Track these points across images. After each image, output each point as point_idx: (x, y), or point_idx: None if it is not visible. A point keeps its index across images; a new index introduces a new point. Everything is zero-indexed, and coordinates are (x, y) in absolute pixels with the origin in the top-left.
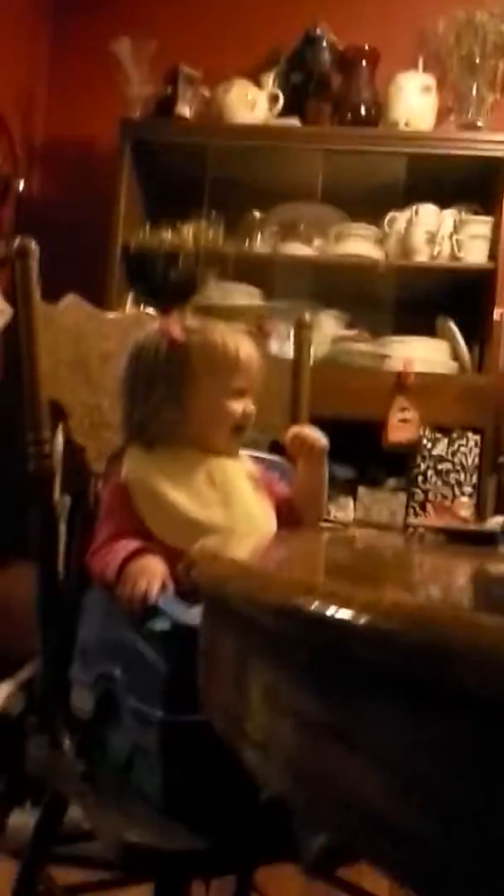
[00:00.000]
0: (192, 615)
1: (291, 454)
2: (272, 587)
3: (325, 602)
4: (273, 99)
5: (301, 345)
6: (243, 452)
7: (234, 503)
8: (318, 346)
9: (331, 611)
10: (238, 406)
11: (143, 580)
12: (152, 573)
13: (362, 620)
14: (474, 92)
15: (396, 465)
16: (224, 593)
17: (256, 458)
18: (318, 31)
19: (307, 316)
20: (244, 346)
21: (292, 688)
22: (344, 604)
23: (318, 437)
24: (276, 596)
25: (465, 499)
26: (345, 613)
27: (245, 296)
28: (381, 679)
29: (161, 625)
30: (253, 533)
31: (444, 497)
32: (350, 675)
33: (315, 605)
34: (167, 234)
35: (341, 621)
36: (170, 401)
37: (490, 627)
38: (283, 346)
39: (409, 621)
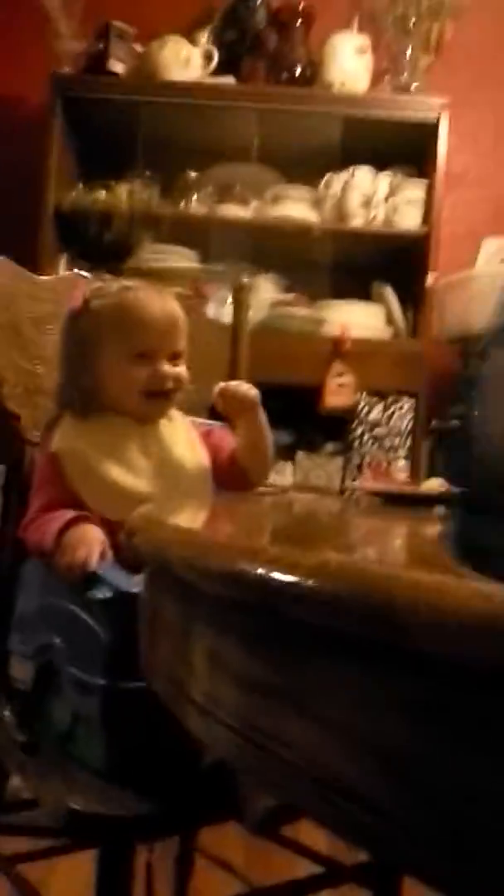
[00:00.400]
0: (134, 582)
1: (223, 412)
2: (215, 553)
3: (269, 566)
4: (207, 56)
5: (239, 309)
6: (183, 416)
7: (169, 471)
8: (256, 311)
9: (276, 574)
10: (143, 370)
11: (81, 549)
12: (90, 541)
13: (308, 583)
14: (409, 54)
15: (334, 429)
16: (166, 559)
17: (196, 424)
18: None
19: (244, 280)
20: (155, 307)
21: (238, 652)
22: (289, 568)
23: (247, 388)
24: (219, 561)
25: (401, 462)
26: (290, 577)
27: (181, 258)
28: (328, 641)
29: (102, 593)
30: (191, 500)
31: (381, 461)
32: (298, 638)
33: (260, 570)
34: (100, 194)
35: (287, 584)
36: (81, 368)
37: (433, 586)
38: (220, 309)
39: (354, 583)
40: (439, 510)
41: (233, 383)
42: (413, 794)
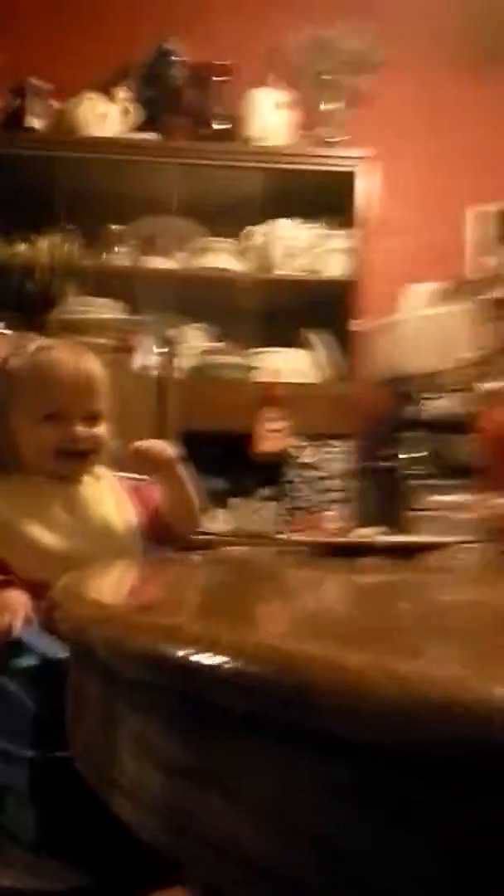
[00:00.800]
0: (61, 648)
1: (139, 470)
2: (136, 633)
3: (189, 648)
4: (125, 112)
5: (165, 359)
6: (109, 473)
7: (94, 530)
8: (186, 360)
9: (196, 658)
10: (54, 431)
11: (5, 615)
12: (14, 607)
13: (226, 667)
14: (327, 108)
15: (269, 474)
16: (87, 640)
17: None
18: (170, 46)
19: (171, 330)
20: (68, 367)
21: (161, 735)
22: (209, 648)
23: (162, 448)
24: (140, 643)
25: (330, 511)
26: (210, 659)
27: (106, 309)
28: (249, 723)
29: (27, 661)
30: (116, 558)
31: (311, 511)
32: (219, 720)
33: (180, 653)
34: (21, 248)
35: (206, 668)
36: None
37: (352, 669)
38: (148, 360)
39: (272, 666)
40: (365, 560)
41: (146, 442)
42: (334, 873)
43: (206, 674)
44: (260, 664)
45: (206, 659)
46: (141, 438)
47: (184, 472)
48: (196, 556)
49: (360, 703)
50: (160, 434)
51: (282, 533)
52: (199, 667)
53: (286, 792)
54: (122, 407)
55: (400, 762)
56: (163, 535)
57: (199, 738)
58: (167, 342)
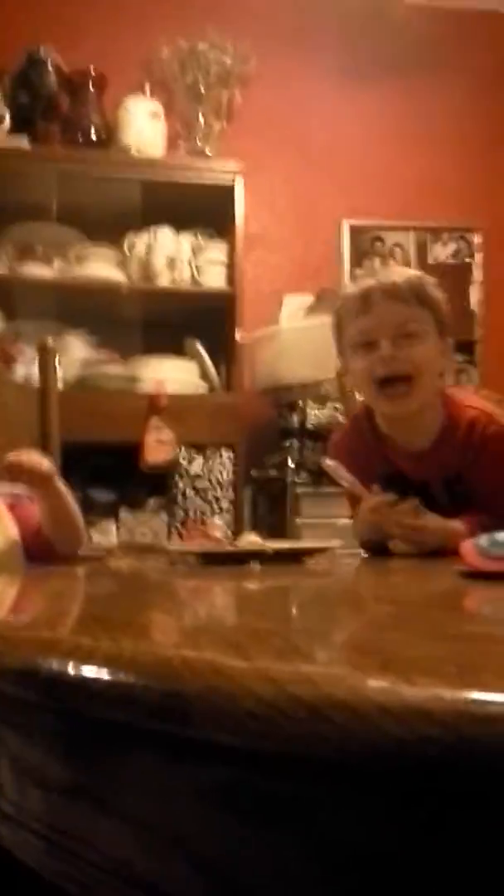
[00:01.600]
0: None
1: (15, 483)
2: (12, 648)
3: (65, 660)
4: None
5: (46, 369)
6: None
7: None
8: (68, 369)
9: (71, 669)
10: None
11: None
12: None
13: (102, 678)
14: (201, 120)
15: (157, 485)
16: None
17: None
18: (42, 53)
19: (50, 339)
20: None
21: (40, 753)
22: (84, 660)
23: (38, 461)
24: (15, 658)
25: (217, 519)
26: (85, 670)
27: None
28: (128, 736)
29: None
30: None
31: (197, 519)
32: (98, 734)
33: (55, 666)
34: None
35: (81, 680)
36: None
37: (226, 673)
38: (31, 371)
39: (146, 674)
40: (253, 566)
41: (23, 455)
42: (220, 888)
43: (81, 685)
44: (135, 673)
45: (82, 670)
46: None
47: (62, 486)
48: (80, 569)
49: (234, 707)
50: (43, 446)
51: (170, 543)
52: (75, 678)
53: (166, 805)
54: (2, 418)
55: (275, 766)
56: (43, 552)
57: (78, 754)
58: (44, 351)
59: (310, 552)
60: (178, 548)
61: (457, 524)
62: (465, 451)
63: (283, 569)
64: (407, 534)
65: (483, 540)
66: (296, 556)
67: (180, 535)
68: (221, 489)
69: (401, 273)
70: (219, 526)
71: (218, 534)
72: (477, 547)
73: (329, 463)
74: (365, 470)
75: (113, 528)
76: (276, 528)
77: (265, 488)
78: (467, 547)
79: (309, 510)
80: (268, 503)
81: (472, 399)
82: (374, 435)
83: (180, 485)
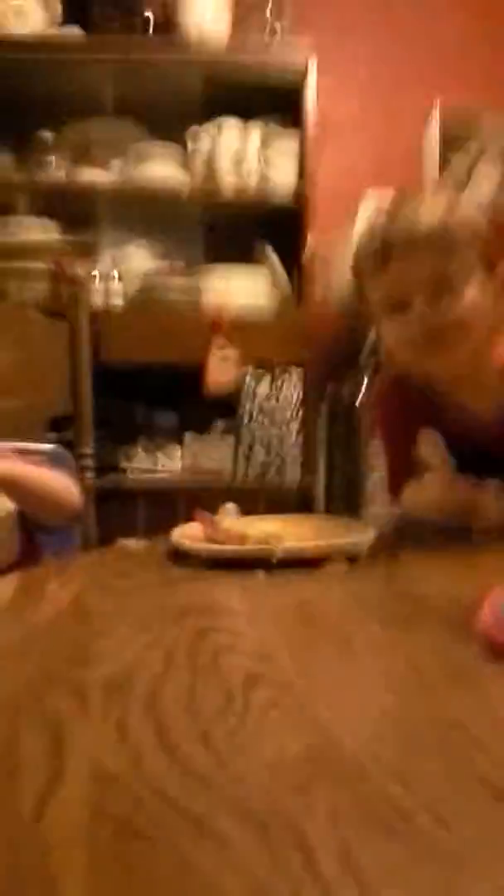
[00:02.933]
0: None
1: None
2: None
3: None
4: (47, 7)
5: (74, 294)
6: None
7: None
8: (129, 283)
9: None
10: None
11: None
12: None
13: None
14: None
15: (223, 407)
16: None
17: (23, 451)
18: None
19: (111, 251)
20: None
21: None
22: None
23: None
24: None
25: (229, 504)
26: None
27: (39, 230)
28: None
29: None
30: None
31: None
32: None
33: None
34: None
35: None
36: None
37: None
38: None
39: None
40: (258, 574)
41: None
42: None
43: None
44: None
45: None
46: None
47: (24, 474)
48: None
49: None
50: (74, 381)
51: (176, 534)
52: None
53: None
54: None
55: None
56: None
57: None
58: (66, 274)
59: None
60: (181, 542)
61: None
62: None
63: (291, 581)
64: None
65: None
66: (312, 561)
67: (194, 519)
68: (290, 410)
69: (425, 215)
70: (231, 510)
71: (228, 523)
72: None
73: (425, 432)
74: (417, 431)
75: (178, 452)
76: (351, 450)
77: (339, 409)
78: (491, 616)
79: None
80: (343, 425)
81: None
82: (428, 394)
83: (247, 406)
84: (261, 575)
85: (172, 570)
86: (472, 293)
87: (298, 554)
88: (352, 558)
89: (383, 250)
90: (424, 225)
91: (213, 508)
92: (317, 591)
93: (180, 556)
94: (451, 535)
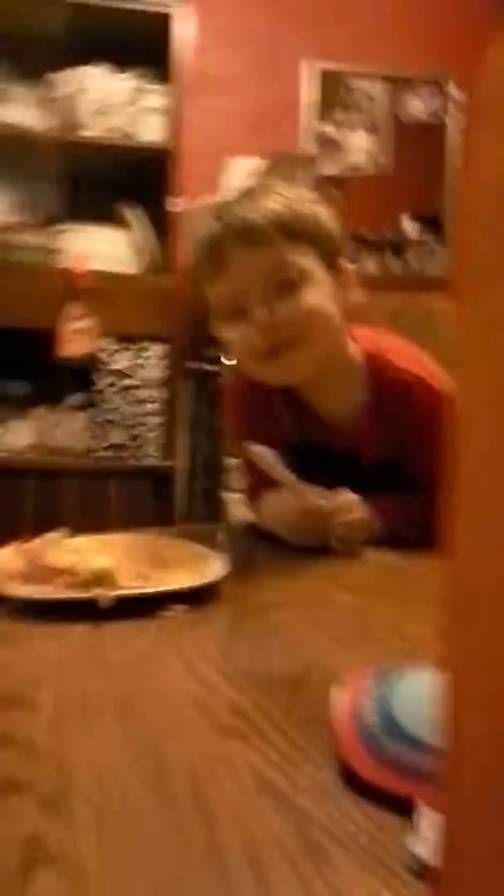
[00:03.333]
0: None
1: None
2: None
3: None
4: None
5: None
6: None
7: None
8: None
9: None
10: None
11: None
12: None
13: None
14: None
15: (79, 378)
16: None
17: None
18: None
19: None
20: None
21: None
22: None
23: None
24: None
25: (56, 532)
26: None
27: None
28: None
29: None
30: None
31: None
32: None
33: None
34: None
35: None
36: None
37: None
38: None
39: None
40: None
41: None
42: None
43: None
44: None
45: None
46: None
47: None
48: None
49: None
50: None
51: None
52: None
53: None
54: None
55: None
56: None
57: None
58: None
59: (169, 598)
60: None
61: (371, 513)
62: (403, 429)
63: (121, 636)
64: (346, 536)
65: (372, 722)
66: (150, 604)
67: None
68: (151, 389)
69: (257, 202)
70: (58, 539)
71: (51, 556)
72: (365, 735)
73: (256, 449)
74: (269, 438)
75: (25, 428)
76: (215, 432)
77: (205, 385)
78: (349, 735)
79: None
80: (207, 402)
81: (401, 356)
82: (282, 395)
83: (103, 383)
84: (81, 629)
85: None
86: (313, 295)
87: (136, 595)
88: (196, 597)
89: (215, 248)
90: (257, 218)
91: (63, 490)
92: (148, 653)
93: None
94: (308, 554)
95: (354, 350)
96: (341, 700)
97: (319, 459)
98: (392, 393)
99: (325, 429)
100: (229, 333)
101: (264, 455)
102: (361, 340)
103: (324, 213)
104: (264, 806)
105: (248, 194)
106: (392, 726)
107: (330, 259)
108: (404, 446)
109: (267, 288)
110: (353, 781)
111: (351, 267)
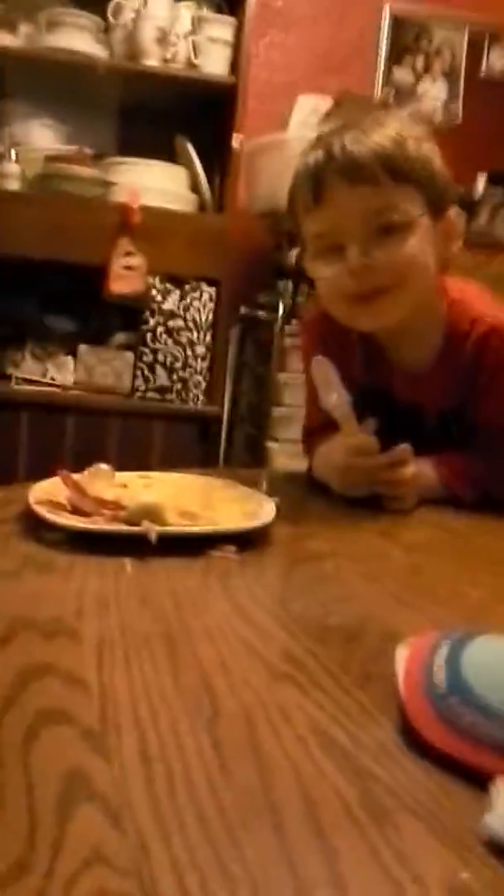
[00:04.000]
0: None
1: None
2: None
3: None
4: None
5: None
6: None
7: None
8: (28, 165)
9: None
10: None
11: None
12: None
13: None
14: None
15: (126, 318)
16: None
17: None
18: None
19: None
20: None
21: None
22: None
23: None
24: None
25: (102, 465)
26: None
27: None
28: None
29: None
30: None
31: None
32: None
33: None
34: None
35: None
36: None
37: None
38: None
39: None
40: (127, 563)
41: None
42: None
43: None
44: None
45: None
46: None
47: None
48: None
49: None
50: None
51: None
52: None
53: None
54: None
55: None
56: None
57: None
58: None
59: (216, 538)
60: (38, 513)
61: (428, 470)
62: (474, 374)
63: (167, 574)
64: (394, 491)
65: (443, 686)
66: (198, 543)
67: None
68: (198, 332)
69: (366, 135)
70: (105, 472)
71: (96, 488)
72: (435, 699)
73: (320, 359)
74: (341, 374)
75: (70, 364)
76: (261, 380)
77: (253, 331)
78: (416, 697)
79: (296, 366)
80: (254, 349)
81: (484, 304)
82: (359, 335)
83: (151, 322)
84: (128, 567)
85: (20, 545)
86: (415, 242)
87: (181, 534)
88: (245, 540)
89: (316, 184)
90: (364, 154)
91: (105, 430)
92: (196, 592)
93: (36, 522)
94: (358, 506)
95: (441, 300)
96: (406, 659)
97: (382, 409)
98: (467, 339)
99: (393, 376)
100: (322, 271)
101: (326, 369)
102: (450, 290)
103: (436, 156)
104: (323, 760)
105: (358, 123)
106: (466, 693)
107: (436, 205)
108: (473, 396)
109: (367, 230)
110: (419, 744)
111: (456, 216)
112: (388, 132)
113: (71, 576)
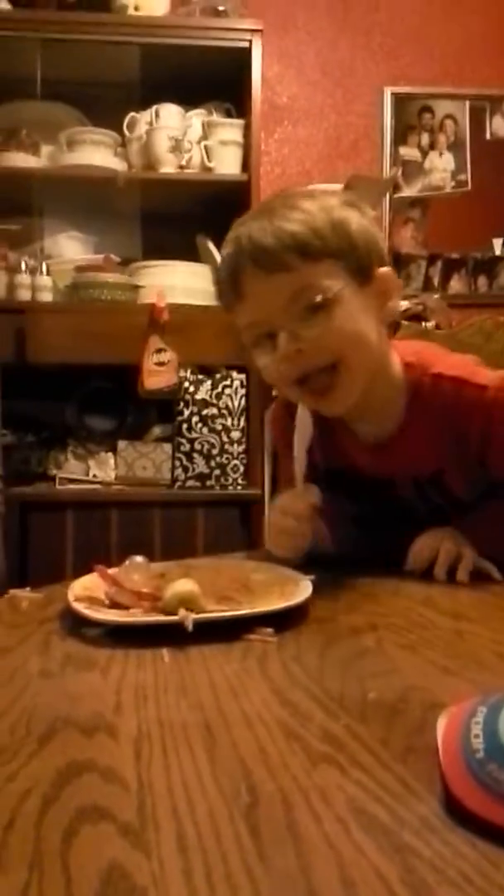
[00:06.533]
0: None
1: None
2: None
3: None
4: None
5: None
6: None
7: None
8: (59, 276)
9: None
10: None
11: None
12: None
13: None
14: None
15: (161, 412)
16: None
17: None
18: None
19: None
20: None
21: None
22: None
23: None
24: None
25: (137, 558)
26: None
27: None
28: None
29: None
30: None
31: (100, 569)
32: None
33: None
34: None
35: None
36: None
37: None
38: (13, 279)
39: None
40: (164, 653)
41: None
42: None
43: None
44: None
45: None
46: None
47: None
48: None
49: None
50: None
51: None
52: None
53: None
54: None
55: None
56: None
57: None
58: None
59: (253, 621)
60: (76, 610)
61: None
62: (456, 438)
63: (204, 661)
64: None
65: (481, 752)
66: (235, 628)
67: (96, 572)
68: (232, 417)
69: (271, 222)
70: (140, 565)
71: (132, 582)
72: (474, 765)
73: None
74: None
75: (111, 460)
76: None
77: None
78: (455, 764)
79: None
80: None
81: (442, 360)
82: (315, 417)
83: (185, 413)
84: (166, 656)
85: (61, 644)
86: (343, 315)
87: (219, 619)
88: (282, 620)
89: (233, 279)
90: (270, 241)
91: (149, 521)
92: (234, 677)
93: (76, 619)
94: (405, 575)
95: (396, 365)
96: (445, 727)
97: (350, 486)
98: (434, 399)
99: (354, 454)
100: (261, 360)
101: (289, 435)
102: (403, 354)
103: (353, 220)
104: (364, 840)
105: (265, 211)
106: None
107: (361, 270)
108: (462, 453)
109: (291, 314)
110: (461, 814)
111: (387, 272)
112: (293, 214)
113: (110, 670)
